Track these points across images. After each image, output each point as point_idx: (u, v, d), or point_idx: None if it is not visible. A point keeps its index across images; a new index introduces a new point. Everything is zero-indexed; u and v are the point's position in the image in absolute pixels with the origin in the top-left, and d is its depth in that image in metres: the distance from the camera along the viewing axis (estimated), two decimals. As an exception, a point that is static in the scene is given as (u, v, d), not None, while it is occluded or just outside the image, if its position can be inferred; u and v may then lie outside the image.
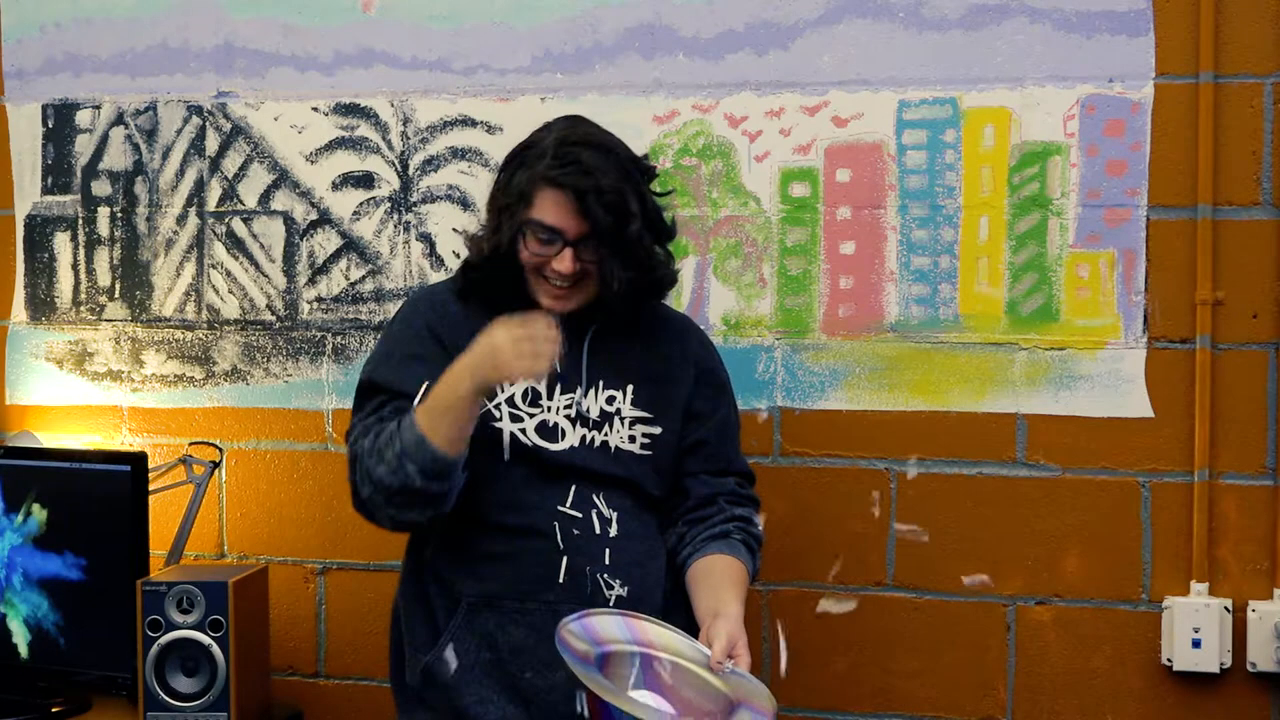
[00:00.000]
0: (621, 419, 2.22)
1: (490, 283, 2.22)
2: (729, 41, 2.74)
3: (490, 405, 2.16)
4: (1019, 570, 2.65)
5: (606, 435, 2.20)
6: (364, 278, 2.93)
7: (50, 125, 3.09)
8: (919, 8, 2.66)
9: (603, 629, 2.05)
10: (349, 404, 2.92)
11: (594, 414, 2.20)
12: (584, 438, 2.19)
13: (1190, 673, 2.58)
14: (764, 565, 2.73)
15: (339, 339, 2.95)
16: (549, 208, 2.12)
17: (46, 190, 3.10)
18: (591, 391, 2.22)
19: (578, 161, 2.10)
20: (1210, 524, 2.57)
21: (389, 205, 2.91)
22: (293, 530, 2.98)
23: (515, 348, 2.00)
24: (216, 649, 2.60)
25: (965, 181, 2.65)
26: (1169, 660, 2.58)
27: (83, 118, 3.07)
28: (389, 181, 2.92)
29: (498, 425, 2.17)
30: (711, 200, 2.76)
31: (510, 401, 2.18)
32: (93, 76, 3.06)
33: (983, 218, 2.65)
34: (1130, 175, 2.59)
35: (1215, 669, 2.56)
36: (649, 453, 2.23)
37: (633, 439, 2.22)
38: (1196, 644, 2.56)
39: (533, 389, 2.18)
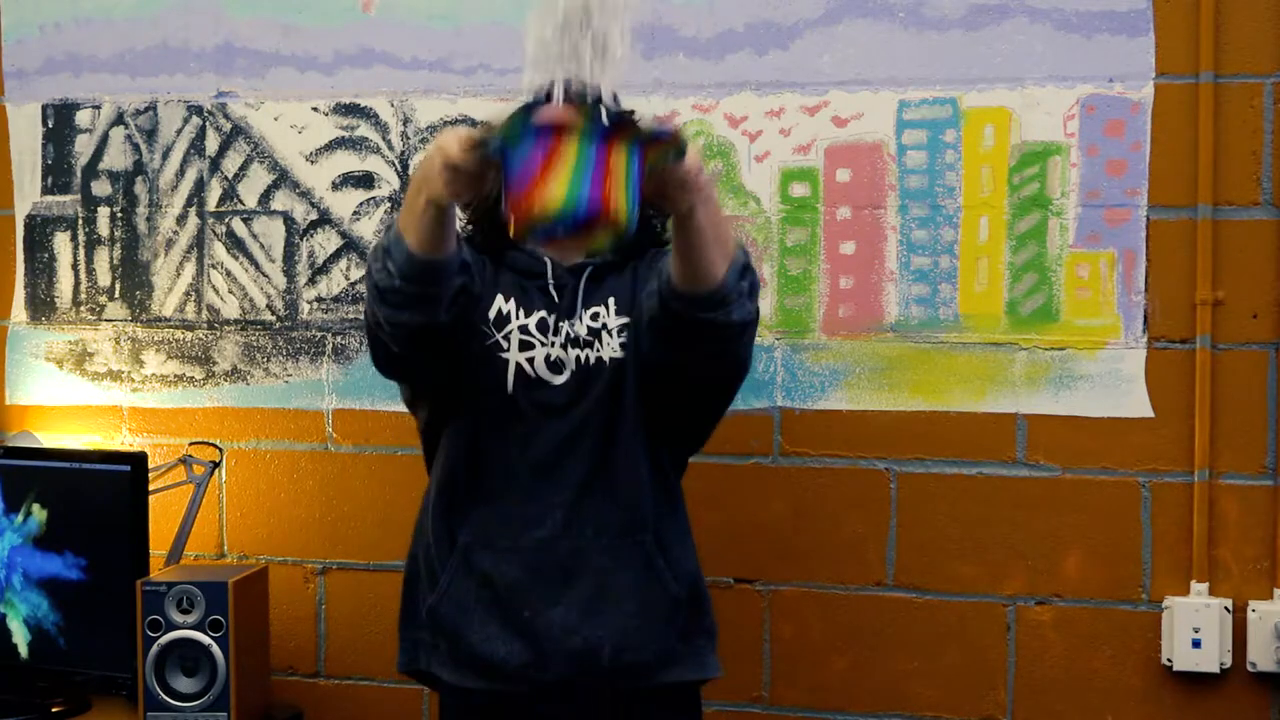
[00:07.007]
0: (609, 331, 2.21)
1: (486, 235, 2.24)
2: (729, 41, 2.74)
3: (499, 335, 2.19)
4: (1019, 570, 2.65)
5: (599, 351, 2.20)
6: (364, 278, 2.93)
7: (50, 125, 3.09)
8: (919, 8, 2.66)
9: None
10: (349, 404, 2.94)
11: (584, 334, 2.21)
12: (578, 358, 2.19)
13: (1190, 673, 2.58)
14: (763, 565, 2.75)
15: (339, 339, 2.95)
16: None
17: (46, 190, 3.10)
18: (583, 314, 2.22)
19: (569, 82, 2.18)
20: (1210, 524, 2.57)
21: (389, 205, 2.91)
22: (293, 530, 2.98)
23: (427, 164, 1.94)
24: (216, 649, 2.60)
25: (965, 181, 2.65)
26: (1169, 660, 2.58)
27: (83, 118, 3.07)
28: (389, 181, 2.92)
29: (504, 355, 2.18)
30: (711, 200, 2.75)
31: (524, 330, 2.20)
32: (93, 76, 3.06)
33: (983, 218, 2.65)
34: (1130, 175, 2.59)
35: (1215, 669, 2.56)
36: (630, 352, 2.21)
37: (623, 347, 2.20)
38: (1196, 644, 2.56)
39: (543, 318, 2.20)
